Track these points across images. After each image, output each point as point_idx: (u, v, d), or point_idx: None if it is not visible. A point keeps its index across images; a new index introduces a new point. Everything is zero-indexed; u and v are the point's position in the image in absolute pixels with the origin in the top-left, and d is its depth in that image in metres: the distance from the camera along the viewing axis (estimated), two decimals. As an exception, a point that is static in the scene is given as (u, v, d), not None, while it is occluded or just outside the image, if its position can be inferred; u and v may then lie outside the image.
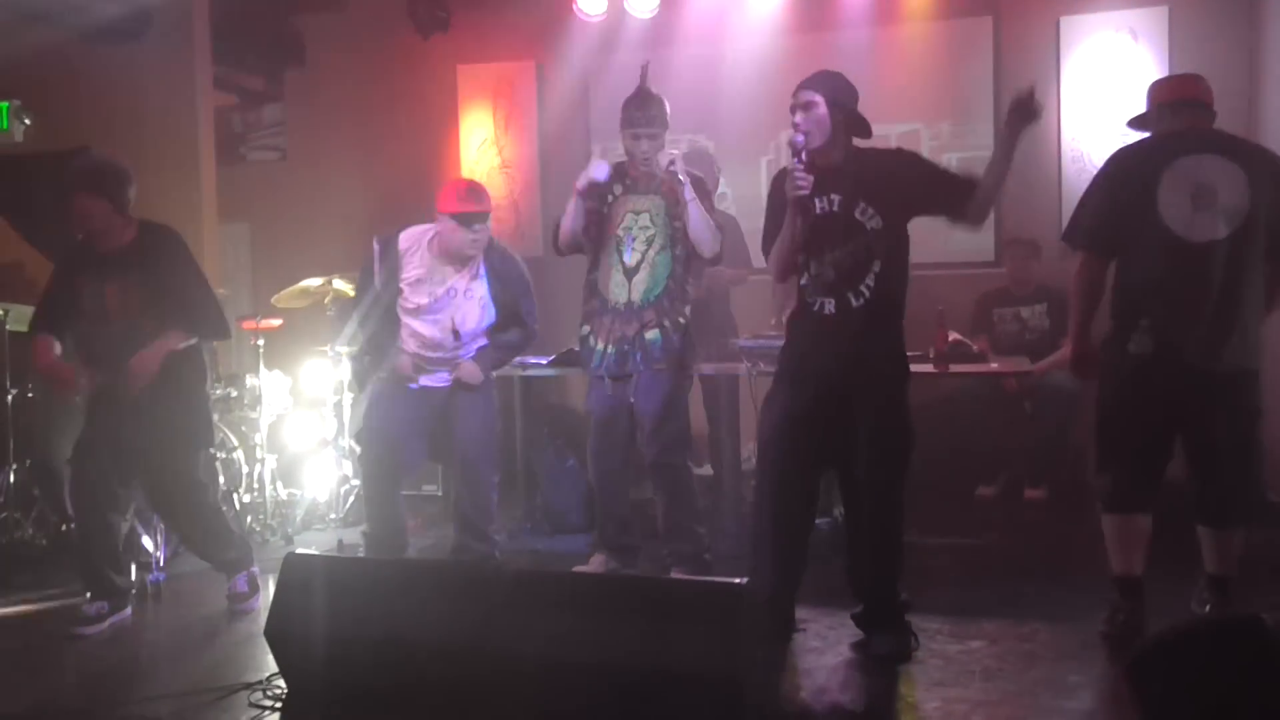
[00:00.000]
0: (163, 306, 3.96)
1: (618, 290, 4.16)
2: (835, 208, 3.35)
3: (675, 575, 4.13)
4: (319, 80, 7.23)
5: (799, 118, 3.34)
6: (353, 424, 4.71)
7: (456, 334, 4.20)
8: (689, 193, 4.01)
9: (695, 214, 4.03)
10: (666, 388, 4.11)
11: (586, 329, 4.25)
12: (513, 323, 4.34)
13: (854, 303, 3.33)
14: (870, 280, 3.32)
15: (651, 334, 4.09)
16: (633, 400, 4.13)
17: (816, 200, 3.34)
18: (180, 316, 4.00)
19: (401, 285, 4.19)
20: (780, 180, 3.42)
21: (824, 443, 3.41)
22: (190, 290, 4.04)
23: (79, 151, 6.45)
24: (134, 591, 4.20)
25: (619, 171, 4.20)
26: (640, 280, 4.13)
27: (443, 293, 4.19)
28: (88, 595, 4.03)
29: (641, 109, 4.08)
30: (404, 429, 4.23)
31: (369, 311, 4.25)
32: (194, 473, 4.20)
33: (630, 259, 4.14)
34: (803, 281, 3.43)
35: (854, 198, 3.32)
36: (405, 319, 4.21)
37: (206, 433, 4.26)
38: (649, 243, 4.12)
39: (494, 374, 4.40)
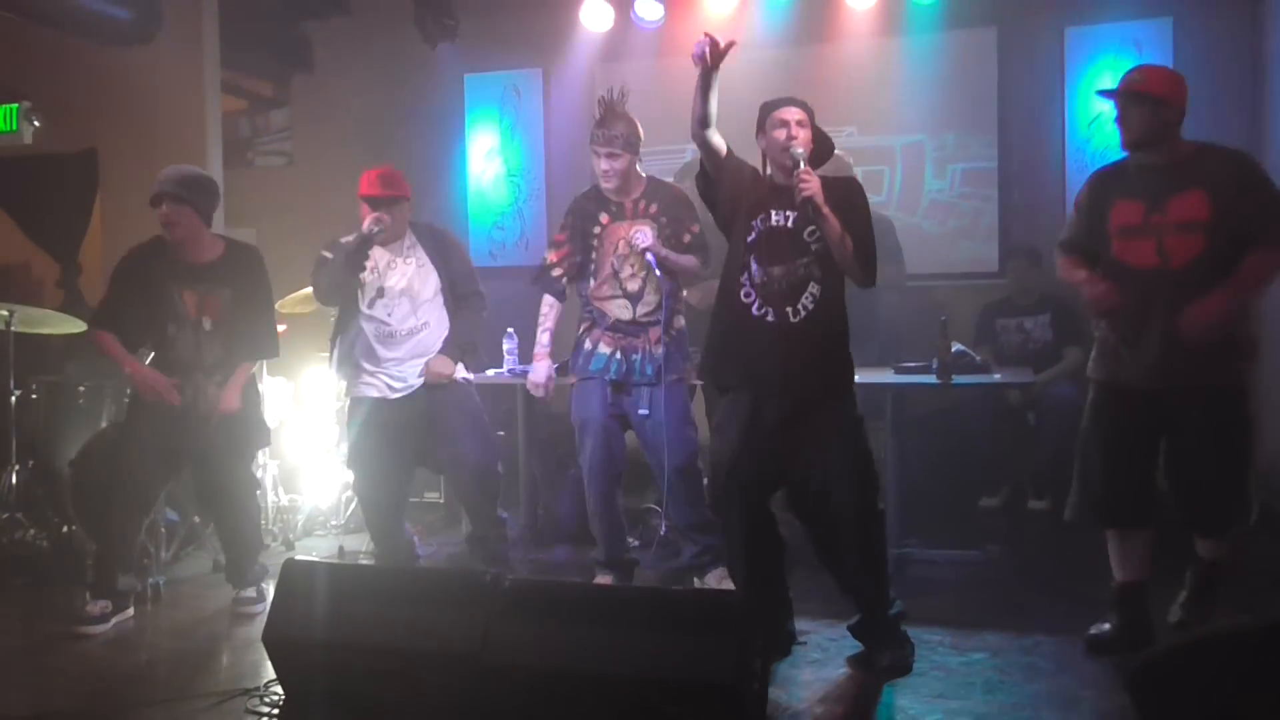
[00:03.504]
0: (237, 321, 4.15)
1: (620, 310, 4.17)
2: (789, 224, 3.38)
3: (711, 578, 4.21)
4: (326, 86, 7.23)
5: (795, 132, 3.36)
6: (344, 443, 4.63)
7: (410, 301, 4.26)
8: (659, 274, 4.03)
9: (674, 275, 4.11)
10: (681, 397, 4.16)
11: (585, 337, 4.24)
12: (460, 300, 4.38)
13: (792, 318, 3.36)
14: (808, 301, 3.35)
15: (659, 350, 4.07)
16: (643, 411, 4.10)
17: (773, 212, 3.39)
18: (250, 336, 4.21)
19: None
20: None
21: (779, 459, 3.40)
22: (265, 312, 4.29)
23: (86, 153, 6.50)
24: (136, 592, 4.21)
25: (600, 199, 4.19)
26: (645, 302, 4.14)
27: (384, 265, 4.26)
28: (88, 595, 4.04)
29: (602, 126, 4.08)
30: (392, 450, 4.29)
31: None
32: (250, 471, 4.43)
33: (633, 285, 4.14)
34: (743, 282, 3.41)
35: (806, 219, 3.34)
36: (363, 318, 4.26)
37: (264, 434, 4.45)
38: (646, 268, 4.08)
39: (474, 378, 4.46)
